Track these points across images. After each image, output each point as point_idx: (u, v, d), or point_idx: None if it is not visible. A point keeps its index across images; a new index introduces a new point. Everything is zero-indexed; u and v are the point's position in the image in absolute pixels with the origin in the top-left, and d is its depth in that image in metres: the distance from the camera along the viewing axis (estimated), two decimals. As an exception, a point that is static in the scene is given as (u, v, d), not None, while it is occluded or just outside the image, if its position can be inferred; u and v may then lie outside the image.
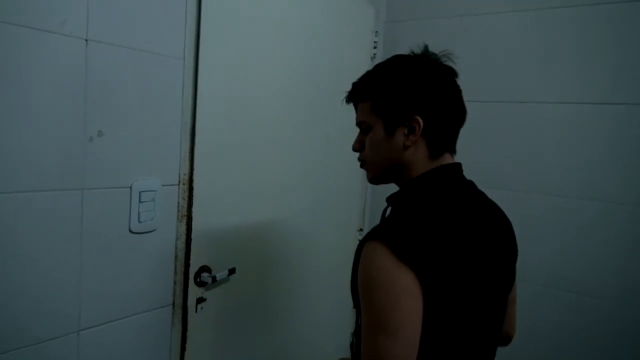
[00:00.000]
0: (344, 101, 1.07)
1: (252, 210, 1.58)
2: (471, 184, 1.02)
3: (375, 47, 2.07)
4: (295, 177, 1.75)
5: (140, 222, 1.27)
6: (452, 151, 1.03)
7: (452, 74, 1.01)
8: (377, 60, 2.09)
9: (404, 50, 2.08)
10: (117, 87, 1.19)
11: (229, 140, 1.46)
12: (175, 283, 1.39)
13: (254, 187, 1.56)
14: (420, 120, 0.95)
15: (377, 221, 1.00)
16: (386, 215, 1.03)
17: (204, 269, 1.43)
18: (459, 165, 1.02)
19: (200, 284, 1.42)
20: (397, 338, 0.84)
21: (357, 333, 1.01)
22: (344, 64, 1.93)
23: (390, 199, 1.03)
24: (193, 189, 1.37)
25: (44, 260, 1.10)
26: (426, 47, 1.02)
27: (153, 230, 1.31)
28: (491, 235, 0.99)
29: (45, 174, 1.08)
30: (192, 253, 1.39)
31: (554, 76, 1.71)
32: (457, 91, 1.00)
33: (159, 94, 1.28)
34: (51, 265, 1.11)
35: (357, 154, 1.07)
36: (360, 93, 1.03)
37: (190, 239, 1.38)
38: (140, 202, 1.26)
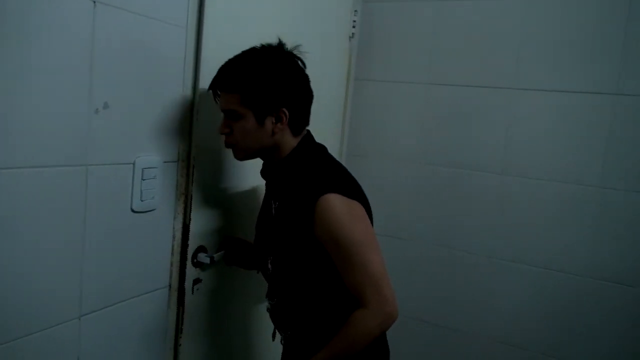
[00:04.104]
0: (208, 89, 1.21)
1: (251, 189, 1.54)
2: (320, 144, 1.27)
3: (354, 27, 2.06)
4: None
5: (142, 201, 1.20)
6: (307, 125, 1.25)
7: (303, 64, 1.21)
8: (356, 41, 2.09)
9: (381, 31, 2.09)
10: (123, 56, 1.10)
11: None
12: (172, 264, 1.33)
13: (255, 164, 1.51)
14: (287, 112, 1.16)
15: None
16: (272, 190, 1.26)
17: (201, 249, 1.38)
18: (309, 132, 1.26)
19: (197, 264, 1.37)
20: (380, 251, 1.14)
21: (271, 294, 1.30)
22: (323, 41, 1.90)
23: (268, 172, 1.25)
24: (193, 166, 1.31)
25: (46, 243, 1.01)
26: (280, 41, 1.19)
27: (153, 210, 1.24)
28: None
29: (49, 148, 0.98)
30: (190, 233, 1.33)
31: (530, 63, 1.80)
32: (307, 77, 1.22)
33: (161, 65, 1.21)
34: (54, 248, 1.03)
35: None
36: (227, 85, 1.16)
37: (190, 219, 1.32)
38: (142, 179, 1.19)
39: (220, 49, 1.32)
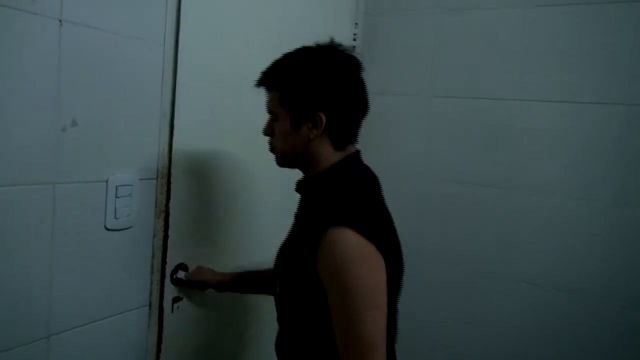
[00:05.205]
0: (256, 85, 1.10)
1: (231, 206, 1.51)
2: (368, 168, 1.12)
3: (355, 40, 2.03)
4: (278, 170, 1.68)
5: (117, 219, 1.19)
6: (355, 141, 1.10)
7: (358, 66, 1.06)
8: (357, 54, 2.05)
9: (382, 44, 2.05)
10: (93, 74, 1.10)
11: (210, 132, 1.39)
12: (152, 282, 1.31)
13: (234, 181, 1.49)
14: (323, 117, 1.01)
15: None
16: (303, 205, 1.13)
17: (181, 266, 1.36)
18: (358, 152, 1.11)
19: (176, 282, 1.35)
20: (383, 310, 0.95)
21: (281, 319, 1.14)
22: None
23: (301, 187, 1.11)
24: (171, 182, 1.29)
25: (10, 261, 1.00)
26: (332, 40, 1.07)
27: (129, 227, 1.23)
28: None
29: (13, 166, 0.98)
30: (169, 250, 1.31)
31: (536, 73, 1.72)
32: (362, 84, 1.06)
33: (136, 82, 1.20)
34: (19, 266, 1.02)
35: None
36: (270, 82, 1.07)
37: (168, 236, 1.30)
38: (117, 197, 1.18)
39: (201, 64, 1.31)
